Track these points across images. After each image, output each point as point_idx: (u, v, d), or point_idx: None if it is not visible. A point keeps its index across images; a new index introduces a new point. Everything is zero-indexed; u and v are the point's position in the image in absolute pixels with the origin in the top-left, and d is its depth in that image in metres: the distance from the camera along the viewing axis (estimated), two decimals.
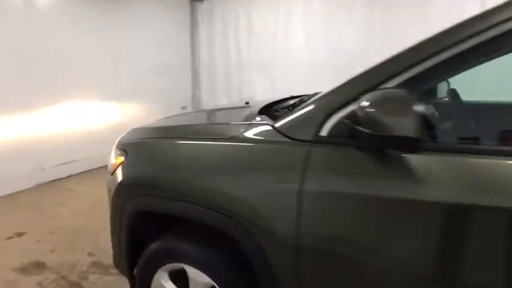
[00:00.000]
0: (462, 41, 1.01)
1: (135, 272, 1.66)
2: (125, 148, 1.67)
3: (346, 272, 1.14)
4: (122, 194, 1.61)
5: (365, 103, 1.01)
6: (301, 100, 1.76)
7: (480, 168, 0.97)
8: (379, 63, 1.16)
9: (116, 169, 1.69)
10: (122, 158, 1.66)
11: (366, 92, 1.10)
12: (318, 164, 1.15)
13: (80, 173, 4.73)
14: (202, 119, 1.86)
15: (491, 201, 0.93)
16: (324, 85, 4.90)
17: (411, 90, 1.03)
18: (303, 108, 1.27)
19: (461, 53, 1.02)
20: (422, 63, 1.05)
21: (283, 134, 1.25)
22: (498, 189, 0.94)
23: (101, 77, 5.00)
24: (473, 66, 1.06)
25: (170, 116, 2.12)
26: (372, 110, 0.97)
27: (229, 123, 1.53)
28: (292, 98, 2.00)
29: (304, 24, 5.73)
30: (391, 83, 1.09)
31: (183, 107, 6.66)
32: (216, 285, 1.38)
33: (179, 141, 1.49)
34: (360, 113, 1.03)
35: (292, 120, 1.27)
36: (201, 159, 1.39)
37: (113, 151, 1.85)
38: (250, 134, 1.33)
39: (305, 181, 1.14)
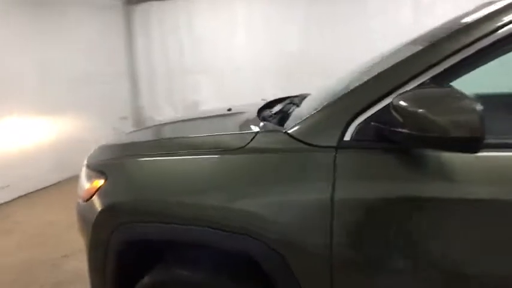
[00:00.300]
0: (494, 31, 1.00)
1: None
2: (103, 170, 1.45)
3: (386, 279, 1.08)
4: (106, 222, 1.40)
5: (403, 103, 0.95)
6: (292, 102, 1.68)
7: None
8: (399, 61, 1.11)
9: (92, 195, 1.46)
10: (100, 182, 1.44)
11: (390, 92, 1.06)
12: (347, 171, 1.08)
13: (16, 199, 4.20)
14: (185, 131, 1.69)
15: None
16: (270, 86, 4.92)
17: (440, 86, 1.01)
18: (319, 111, 1.18)
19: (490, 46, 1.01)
20: (452, 56, 1.02)
21: (301, 141, 1.15)
22: None
23: (28, 89, 4.49)
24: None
25: (140, 129, 1.91)
26: (420, 110, 0.91)
27: (229, 133, 1.40)
28: (279, 100, 1.91)
29: (246, 26, 5.68)
30: (416, 82, 1.05)
31: (123, 118, 6.25)
32: None
33: (175, 158, 1.32)
34: (398, 114, 0.97)
35: (309, 125, 1.18)
36: (207, 175, 1.24)
37: (84, 174, 1.61)
38: (262, 143, 1.22)
39: (335, 190, 1.06)
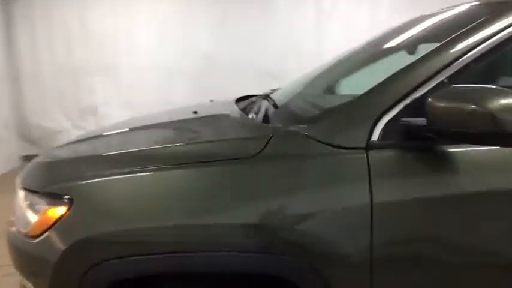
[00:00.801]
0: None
1: None
2: (64, 194, 1.13)
3: (425, 276, 1.06)
4: (77, 261, 1.10)
5: (444, 100, 0.94)
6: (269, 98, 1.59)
7: None
8: (418, 60, 1.10)
9: (47, 228, 1.14)
10: (59, 210, 1.12)
11: (415, 89, 1.04)
12: (382, 172, 1.02)
13: None
14: (164, 139, 1.41)
15: None
16: (177, 88, 4.75)
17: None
18: (341, 111, 1.12)
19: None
20: (472, 53, 1.04)
21: (326, 143, 1.06)
22: None
23: None
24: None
25: (86, 139, 1.57)
26: (470, 106, 0.89)
27: (229, 139, 1.23)
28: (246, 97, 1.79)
29: (150, 22, 5.30)
30: (439, 79, 1.05)
31: (3, 126, 5.28)
32: None
33: (171, 171, 1.10)
34: (437, 111, 0.95)
35: (333, 126, 1.09)
36: (220, 190, 1.06)
37: (25, 201, 1.24)
38: (280, 148, 1.09)
39: (373, 192, 1.00)
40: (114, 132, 1.55)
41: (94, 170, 1.16)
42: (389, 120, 1.05)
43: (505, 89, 0.92)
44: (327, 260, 1.02)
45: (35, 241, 1.16)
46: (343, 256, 1.02)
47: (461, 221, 1.04)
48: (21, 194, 1.28)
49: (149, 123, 1.61)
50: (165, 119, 1.64)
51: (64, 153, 1.42)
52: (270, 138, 1.10)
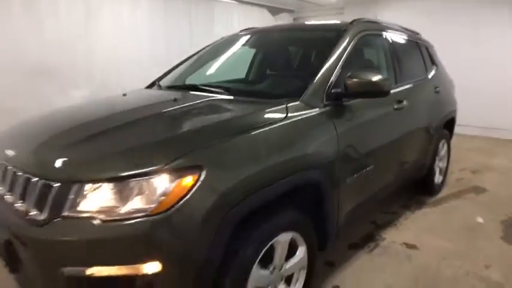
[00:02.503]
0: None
1: None
2: (193, 163, 1.42)
3: (363, 158, 2.25)
4: (216, 214, 1.43)
5: (356, 78, 2.03)
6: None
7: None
8: (326, 63, 2.16)
9: (178, 200, 1.36)
10: (187, 180, 1.39)
11: (330, 76, 2.12)
12: (334, 117, 2.04)
13: None
14: (211, 116, 1.90)
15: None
16: None
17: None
18: (312, 88, 2.04)
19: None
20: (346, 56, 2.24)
21: (311, 106, 1.96)
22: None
23: None
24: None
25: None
26: (366, 79, 2.01)
27: (265, 110, 1.85)
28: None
29: None
30: (339, 71, 2.15)
31: None
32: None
33: (250, 134, 1.64)
34: (352, 83, 2.03)
35: (311, 96, 2.01)
36: (285, 139, 1.76)
37: (161, 179, 1.37)
38: (295, 112, 1.88)
39: (336, 127, 2.01)
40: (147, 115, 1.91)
41: (208, 139, 1.53)
42: (327, 91, 2.06)
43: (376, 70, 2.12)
44: (325, 164, 1.93)
45: (161, 216, 1.34)
46: (328, 157, 1.95)
47: (364, 133, 2.25)
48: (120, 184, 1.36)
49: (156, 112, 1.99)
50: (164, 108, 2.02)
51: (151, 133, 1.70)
52: (287, 107, 1.85)
